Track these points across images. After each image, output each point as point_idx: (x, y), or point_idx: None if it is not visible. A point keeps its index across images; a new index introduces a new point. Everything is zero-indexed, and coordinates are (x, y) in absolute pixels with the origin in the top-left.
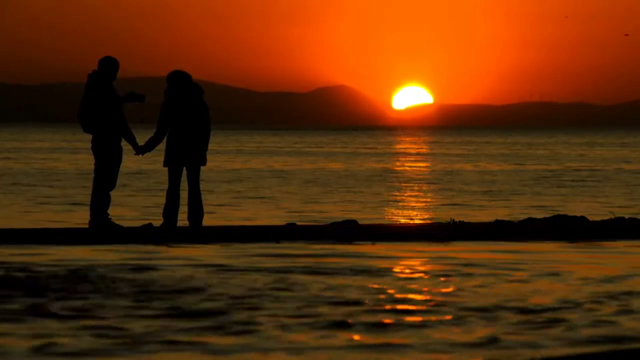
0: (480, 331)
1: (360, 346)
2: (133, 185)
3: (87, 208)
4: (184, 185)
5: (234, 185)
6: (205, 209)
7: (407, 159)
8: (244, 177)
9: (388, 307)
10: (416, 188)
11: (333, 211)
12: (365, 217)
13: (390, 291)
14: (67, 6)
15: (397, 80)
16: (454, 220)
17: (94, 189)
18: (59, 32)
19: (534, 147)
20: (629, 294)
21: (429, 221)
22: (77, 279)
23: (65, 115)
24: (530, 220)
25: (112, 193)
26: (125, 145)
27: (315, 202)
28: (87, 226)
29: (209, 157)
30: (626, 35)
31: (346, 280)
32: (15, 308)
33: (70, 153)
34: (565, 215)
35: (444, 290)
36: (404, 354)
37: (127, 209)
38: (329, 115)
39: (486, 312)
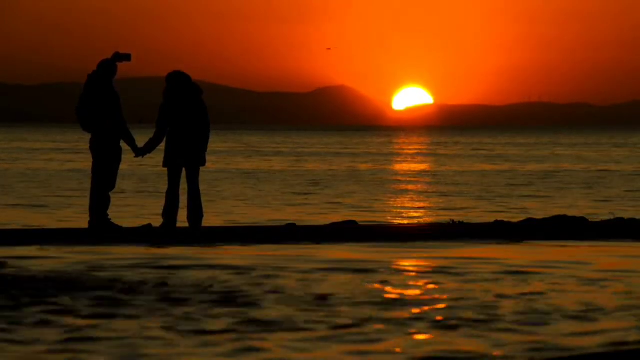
0: (480, 331)
1: (360, 346)
2: (132, 186)
3: (86, 208)
4: (184, 185)
5: (233, 185)
6: (204, 209)
7: (407, 159)
8: (242, 177)
9: (387, 307)
10: (415, 188)
11: (332, 211)
12: (365, 217)
13: (389, 291)
14: (67, 6)
15: (397, 81)
16: (453, 220)
17: (92, 189)
18: (59, 32)
19: (533, 148)
20: (628, 294)
21: (428, 221)
22: (76, 280)
23: (65, 115)
24: (530, 220)
25: (111, 193)
26: (124, 146)
27: (315, 203)
28: (86, 227)
29: (208, 157)
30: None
31: (346, 281)
32: (17, 309)
33: (67, 154)
34: (565, 216)
35: (444, 290)
36: (403, 354)
37: (126, 210)
38: (329, 116)
39: (486, 312)
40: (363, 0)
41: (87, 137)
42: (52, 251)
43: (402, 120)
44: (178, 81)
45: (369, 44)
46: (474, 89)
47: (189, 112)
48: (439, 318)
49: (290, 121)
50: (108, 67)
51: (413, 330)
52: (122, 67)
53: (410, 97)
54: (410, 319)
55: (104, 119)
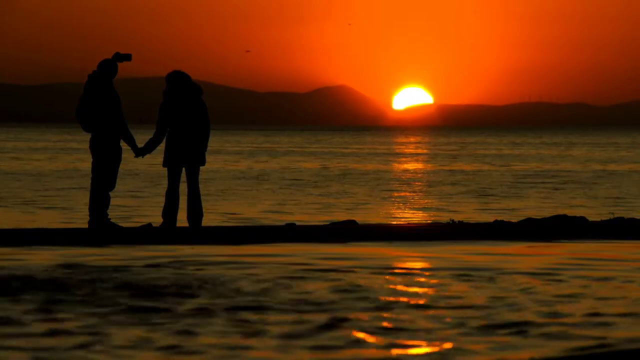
0: (480, 331)
1: (360, 346)
2: (132, 186)
3: (86, 208)
4: (184, 185)
5: (233, 185)
6: (204, 209)
7: (406, 159)
8: (242, 178)
9: (387, 307)
10: (415, 188)
11: (332, 211)
12: (365, 217)
13: (390, 291)
14: (67, 6)
15: (397, 81)
16: (453, 220)
17: (92, 189)
18: (59, 32)
19: (533, 148)
20: (627, 294)
21: (428, 221)
22: (76, 280)
23: (65, 115)
24: (530, 220)
25: (111, 193)
26: (124, 146)
27: (315, 203)
28: (86, 227)
29: (207, 157)
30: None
31: (346, 281)
32: (18, 309)
33: (67, 153)
34: (565, 216)
35: (444, 290)
36: (403, 354)
37: (126, 210)
38: (329, 116)
39: (486, 313)
40: (364, 0)
41: (87, 136)
42: (51, 251)
43: (402, 120)
44: (178, 81)
45: (369, 44)
46: (474, 89)
47: (189, 112)
48: (438, 318)
49: (291, 121)
50: (108, 67)
51: (411, 330)
52: (122, 67)
53: (410, 97)
54: (410, 319)
55: (104, 119)
